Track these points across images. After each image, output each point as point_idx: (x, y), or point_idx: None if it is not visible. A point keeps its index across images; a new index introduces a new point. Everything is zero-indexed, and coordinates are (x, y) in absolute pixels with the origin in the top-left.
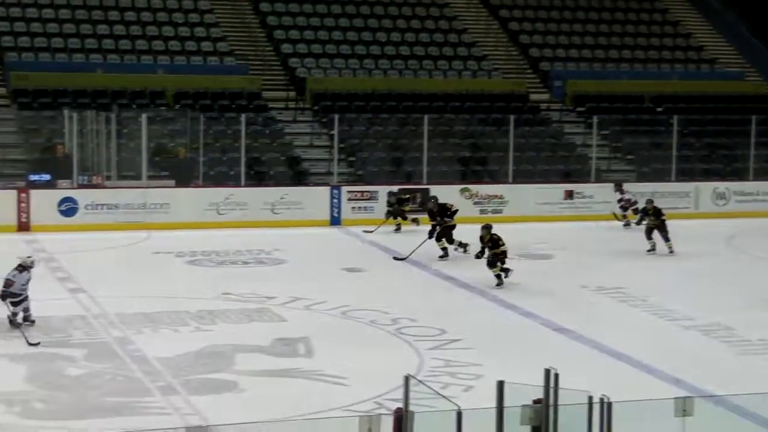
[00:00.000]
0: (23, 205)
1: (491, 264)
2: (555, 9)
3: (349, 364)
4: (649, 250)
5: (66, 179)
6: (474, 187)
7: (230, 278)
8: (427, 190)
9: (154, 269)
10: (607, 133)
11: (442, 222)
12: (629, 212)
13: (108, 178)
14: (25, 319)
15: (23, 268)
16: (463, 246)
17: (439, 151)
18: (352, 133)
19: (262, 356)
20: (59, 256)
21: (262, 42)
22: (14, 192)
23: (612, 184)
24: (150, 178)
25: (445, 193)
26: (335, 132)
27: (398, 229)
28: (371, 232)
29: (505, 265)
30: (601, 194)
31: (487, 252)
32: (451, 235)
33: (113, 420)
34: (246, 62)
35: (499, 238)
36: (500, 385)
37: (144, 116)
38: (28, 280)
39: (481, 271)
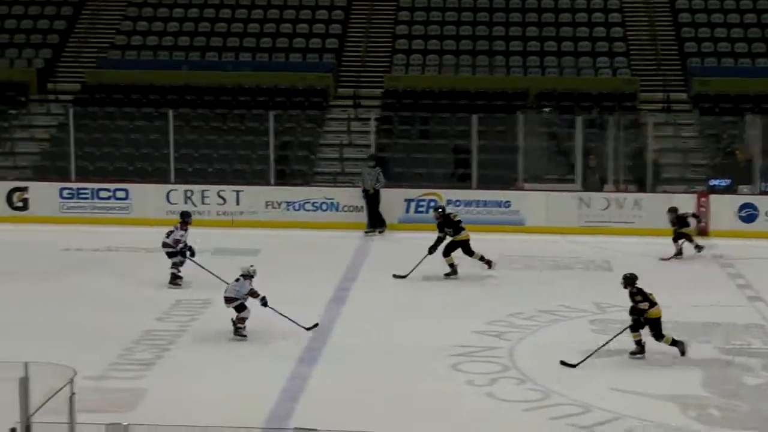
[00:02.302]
0: (702, 209)
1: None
2: None
3: None
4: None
5: (746, 185)
6: None
7: None
8: None
9: None
10: None
11: (445, 235)
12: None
13: None
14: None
15: (245, 276)
16: (487, 262)
17: None
18: None
19: None
20: (738, 263)
21: None
22: (694, 196)
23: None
24: None
25: None
26: None
27: (679, 253)
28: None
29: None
30: None
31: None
32: (467, 247)
33: None
34: None
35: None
36: None
37: None
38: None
39: None
